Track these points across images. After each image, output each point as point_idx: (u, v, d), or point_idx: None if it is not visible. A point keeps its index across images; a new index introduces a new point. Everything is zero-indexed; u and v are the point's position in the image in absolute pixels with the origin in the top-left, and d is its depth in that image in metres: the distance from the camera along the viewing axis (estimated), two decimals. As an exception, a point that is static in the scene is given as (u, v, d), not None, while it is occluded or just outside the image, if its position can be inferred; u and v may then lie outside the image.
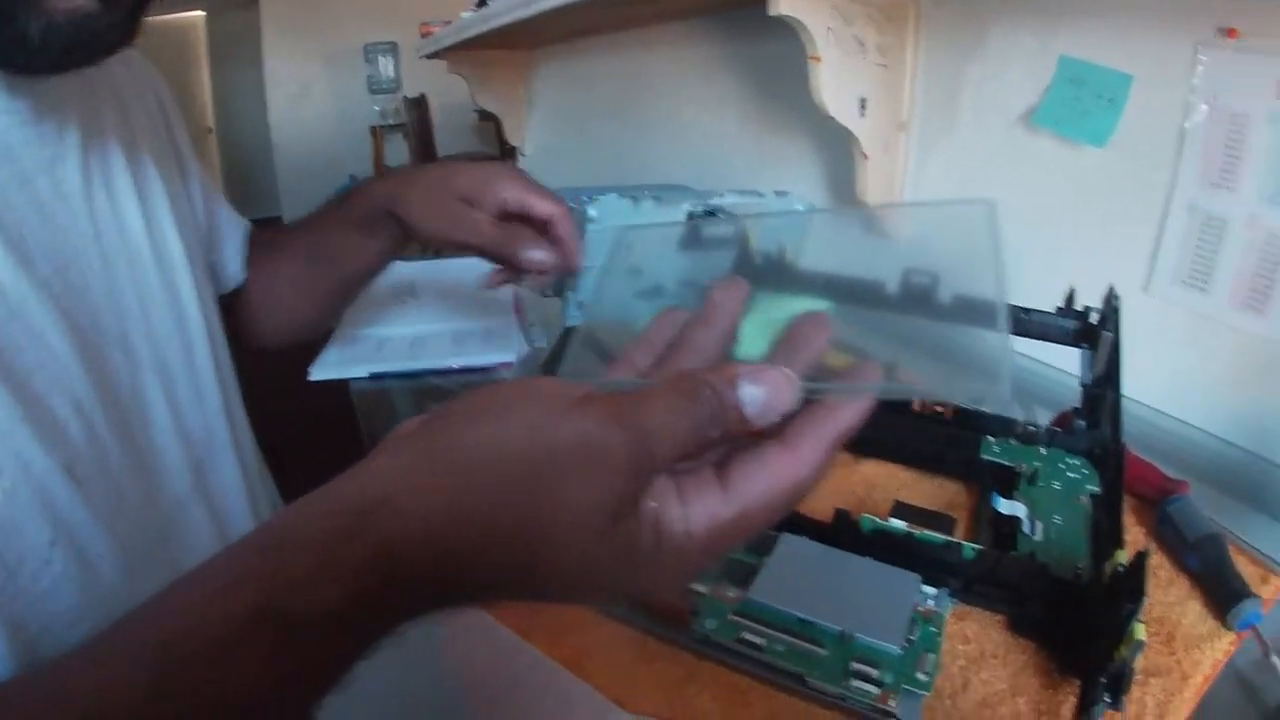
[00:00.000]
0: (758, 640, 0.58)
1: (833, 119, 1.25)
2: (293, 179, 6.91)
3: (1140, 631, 0.52)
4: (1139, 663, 0.62)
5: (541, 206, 0.87)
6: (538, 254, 0.85)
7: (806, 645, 0.58)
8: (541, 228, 0.88)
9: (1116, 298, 0.80)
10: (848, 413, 0.40)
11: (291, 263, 0.98)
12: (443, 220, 0.86)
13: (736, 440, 0.40)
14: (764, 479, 0.39)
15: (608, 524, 0.36)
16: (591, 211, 1.09)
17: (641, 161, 2.07)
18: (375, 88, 6.95)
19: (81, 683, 0.33)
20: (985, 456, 0.80)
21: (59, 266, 0.64)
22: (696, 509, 0.38)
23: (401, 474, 0.37)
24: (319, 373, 1.16)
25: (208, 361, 0.79)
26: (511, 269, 0.91)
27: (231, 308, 0.94)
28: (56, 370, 0.61)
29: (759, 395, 0.38)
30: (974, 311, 0.43)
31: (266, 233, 1.02)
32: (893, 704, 0.54)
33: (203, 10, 7.55)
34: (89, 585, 0.60)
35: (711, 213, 1.25)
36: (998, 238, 0.44)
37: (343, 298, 1.06)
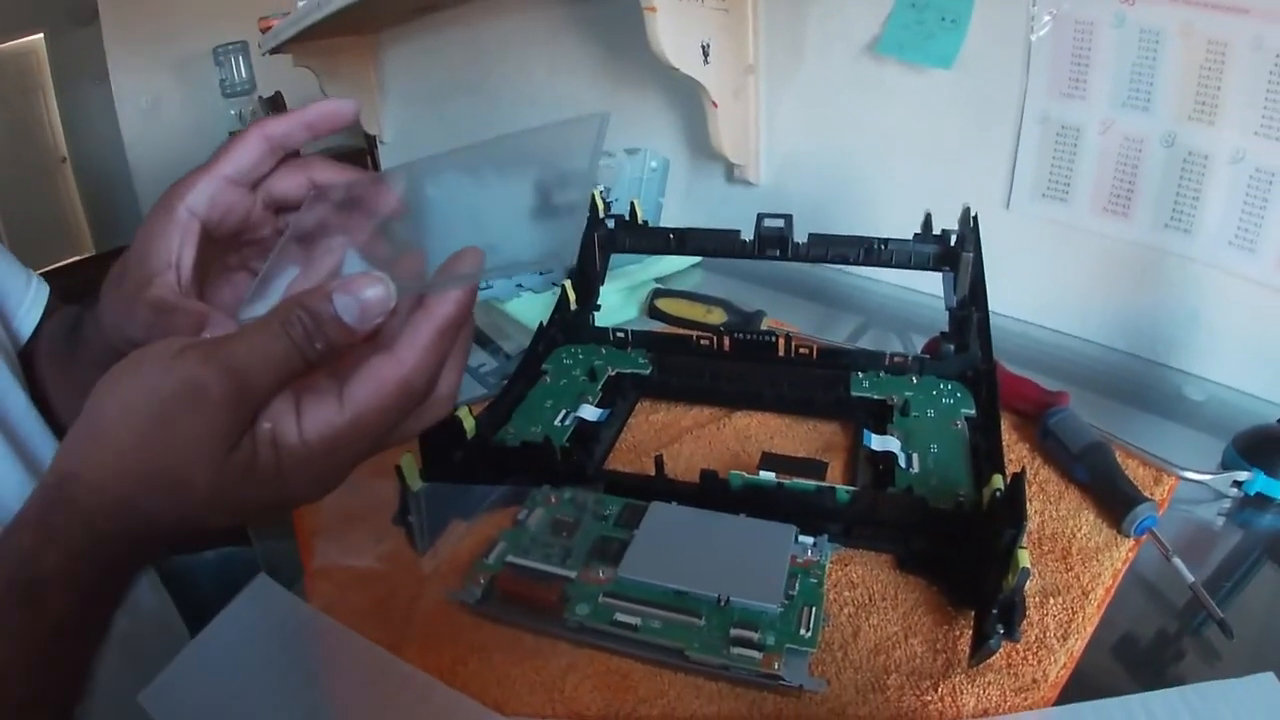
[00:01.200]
0: (632, 620, 0.55)
1: (676, 69, 1.22)
2: (155, 195, 6.69)
3: (1025, 559, 0.50)
4: (1034, 585, 0.61)
5: (277, 187, 0.56)
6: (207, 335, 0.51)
7: (683, 618, 0.55)
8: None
9: (974, 216, 0.78)
10: (443, 306, 0.42)
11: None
12: (119, 319, 0.55)
13: (357, 350, 0.43)
14: (370, 383, 0.42)
15: (223, 451, 0.40)
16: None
17: (499, 132, 2.03)
18: (229, 91, 6.73)
19: None
20: (855, 393, 0.77)
21: None
22: (311, 420, 0.42)
23: (76, 447, 0.41)
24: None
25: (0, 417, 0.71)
26: None
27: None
28: None
29: (352, 302, 0.41)
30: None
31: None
32: (778, 666, 0.52)
33: (40, 32, 7.24)
34: None
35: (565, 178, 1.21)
36: (599, 145, 0.47)
37: None
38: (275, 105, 5.70)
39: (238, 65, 6.74)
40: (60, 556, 0.40)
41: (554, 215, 0.47)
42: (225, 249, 0.57)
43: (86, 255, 6.35)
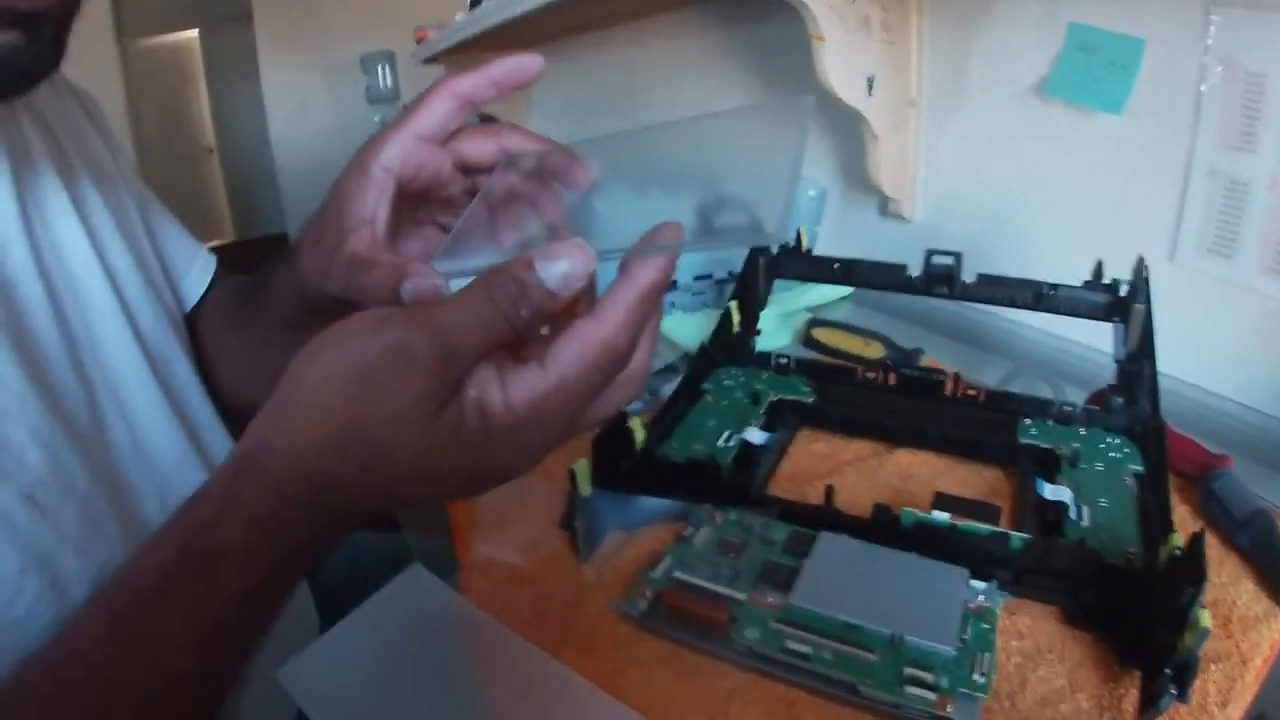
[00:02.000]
0: (804, 649, 0.56)
1: (840, 100, 1.23)
2: (297, 195, 6.87)
3: (1205, 618, 0.50)
4: (1202, 650, 0.60)
5: (467, 149, 0.57)
6: (409, 287, 0.49)
7: (856, 651, 0.55)
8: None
9: (1146, 268, 0.77)
10: (644, 272, 0.43)
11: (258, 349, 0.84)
12: (318, 279, 0.59)
13: (560, 318, 0.44)
14: (574, 346, 0.43)
15: (430, 416, 0.41)
16: (597, 205, 1.07)
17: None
18: (374, 98, 6.89)
19: (52, 641, 0.44)
20: (1023, 440, 0.77)
21: (2, 295, 0.62)
22: (516, 386, 0.42)
23: (271, 419, 0.43)
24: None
25: (165, 384, 0.75)
26: None
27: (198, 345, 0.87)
28: (7, 398, 0.59)
29: (555, 268, 0.42)
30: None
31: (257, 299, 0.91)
32: (950, 709, 0.52)
33: (196, 29, 7.53)
34: (64, 609, 0.58)
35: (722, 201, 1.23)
36: (803, 131, 0.47)
37: None
38: (417, 113, 5.83)
39: (384, 73, 6.91)
40: (241, 528, 0.42)
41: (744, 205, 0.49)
42: (415, 204, 0.59)
43: (228, 241, 6.61)
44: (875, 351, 1.02)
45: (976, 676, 0.54)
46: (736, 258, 0.92)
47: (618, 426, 0.72)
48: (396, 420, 0.41)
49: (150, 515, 0.70)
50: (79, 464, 0.63)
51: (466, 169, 0.58)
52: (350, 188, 0.56)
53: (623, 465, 0.72)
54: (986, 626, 0.57)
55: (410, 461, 0.42)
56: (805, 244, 0.91)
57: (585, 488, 0.69)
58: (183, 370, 0.78)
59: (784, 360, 0.87)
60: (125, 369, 0.71)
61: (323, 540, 0.46)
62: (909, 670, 0.53)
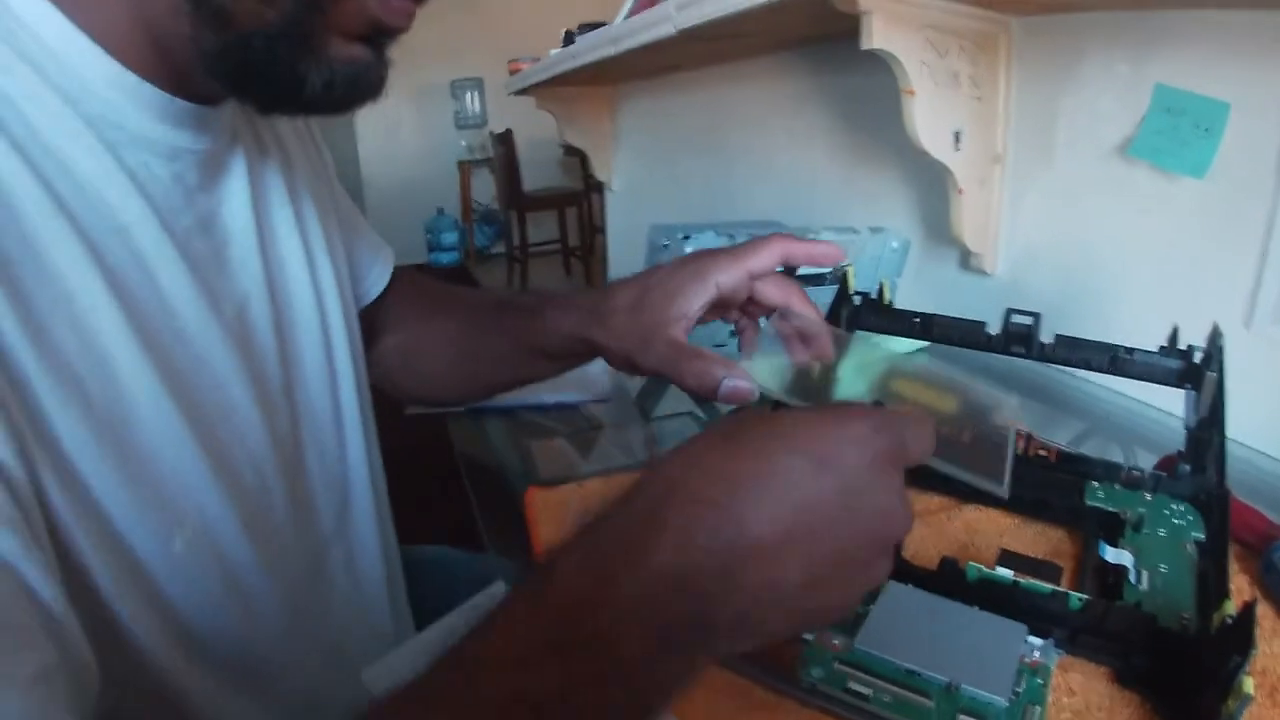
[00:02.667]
0: (864, 690, 0.58)
1: (927, 153, 1.25)
2: (382, 212, 7.03)
3: (1248, 685, 0.51)
4: (1246, 717, 0.61)
5: (770, 292, 0.75)
6: (729, 383, 0.67)
7: (913, 696, 0.57)
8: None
9: (1221, 336, 0.78)
10: None
11: (446, 333, 0.97)
12: (630, 348, 0.74)
13: None
14: None
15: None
16: (687, 249, 1.10)
17: (730, 196, 2.08)
18: (462, 123, 7.07)
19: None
20: (1090, 502, 0.78)
21: (238, 309, 0.67)
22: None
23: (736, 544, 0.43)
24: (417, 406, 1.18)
25: (354, 406, 0.81)
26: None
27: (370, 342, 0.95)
28: (237, 421, 0.65)
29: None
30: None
31: (434, 286, 1.03)
32: (1000, 757, 0.54)
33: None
34: (253, 626, 0.65)
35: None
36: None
37: (496, 391, 1.03)
38: (504, 141, 5.92)
39: (472, 100, 7.07)
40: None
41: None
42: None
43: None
44: (950, 404, 1.03)
45: (1027, 729, 0.56)
46: (822, 305, 0.94)
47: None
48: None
49: (327, 534, 0.78)
50: (281, 490, 0.69)
51: (753, 298, 0.75)
52: (687, 286, 0.72)
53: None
54: (1040, 681, 0.59)
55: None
56: (889, 297, 0.93)
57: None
58: (366, 390, 0.85)
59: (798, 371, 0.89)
60: (320, 390, 0.78)
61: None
62: (963, 717, 0.55)
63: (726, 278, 0.72)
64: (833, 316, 0.92)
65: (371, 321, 0.96)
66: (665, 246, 1.13)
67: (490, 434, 1.16)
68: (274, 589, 0.67)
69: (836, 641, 0.62)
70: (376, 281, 0.95)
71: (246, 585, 0.64)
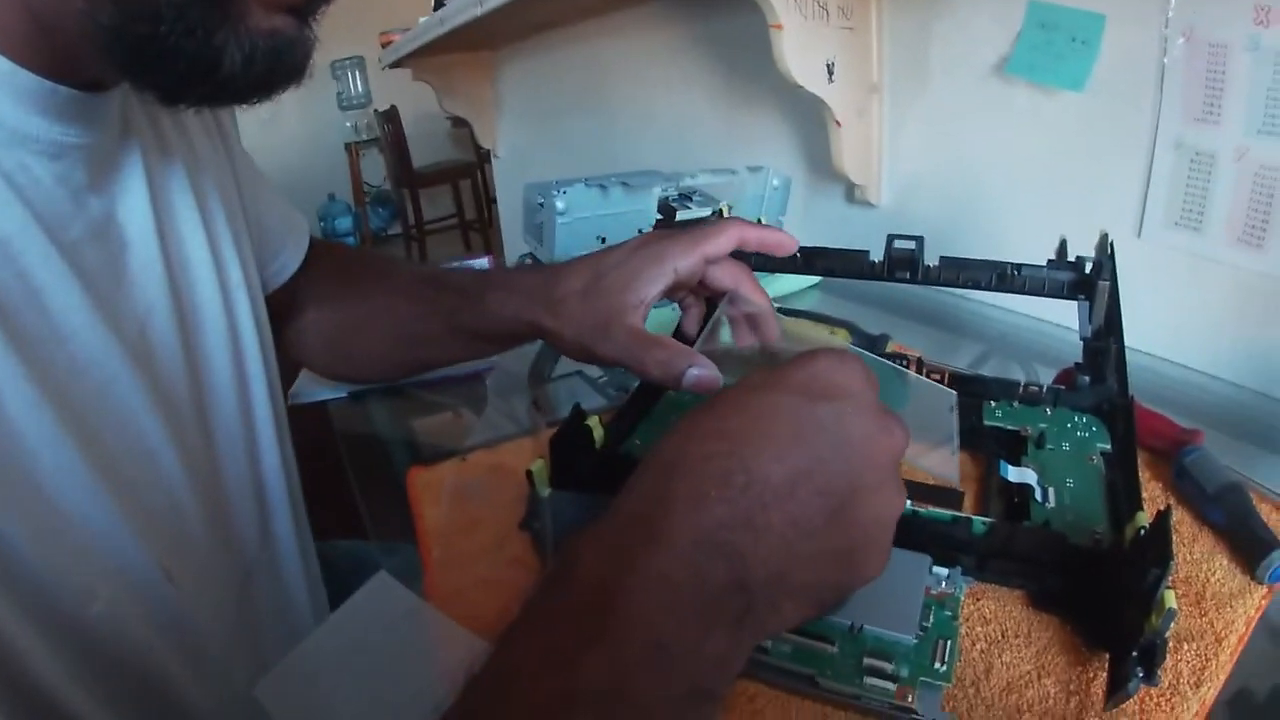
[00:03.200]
0: (763, 642, 0.54)
1: (801, 87, 1.23)
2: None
3: (1171, 599, 0.48)
4: (1172, 631, 0.59)
5: (716, 276, 0.74)
6: (693, 374, 0.65)
7: (815, 643, 0.53)
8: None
9: (1110, 243, 0.76)
10: None
11: (362, 312, 0.92)
12: (586, 337, 0.72)
13: None
14: None
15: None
16: (558, 204, 1.06)
17: (614, 151, 2.05)
18: (346, 104, 6.89)
19: None
20: (988, 422, 0.76)
21: (140, 325, 0.61)
22: None
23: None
24: (299, 397, 1.12)
25: (267, 414, 0.77)
26: None
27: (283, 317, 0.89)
28: (148, 456, 0.59)
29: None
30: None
31: (357, 258, 0.98)
32: (911, 699, 0.50)
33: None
34: (182, 663, 0.61)
35: (686, 195, 1.22)
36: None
37: (424, 370, 1.01)
38: (390, 118, 5.81)
39: (354, 79, 6.90)
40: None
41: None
42: None
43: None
44: (842, 339, 1.01)
45: (938, 665, 0.52)
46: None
47: (575, 425, 0.71)
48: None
49: (251, 559, 0.74)
50: (202, 526, 0.65)
51: (704, 281, 0.74)
52: (643, 272, 0.70)
53: (582, 465, 0.71)
54: (949, 614, 0.56)
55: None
56: (767, 234, 0.90)
57: (543, 489, 0.68)
58: (280, 399, 0.81)
59: (746, 354, 0.85)
60: (232, 405, 0.72)
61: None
62: (869, 661, 0.52)
63: (684, 263, 0.71)
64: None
65: (289, 297, 0.90)
66: (540, 205, 1.10)
67: (374, 416, 1.10)
68: (202, 622, 0.63)
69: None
70: (291, 259, 0.89)
71: (173, 625, 0.59)
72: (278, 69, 0.52)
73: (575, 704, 0.35)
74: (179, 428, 0.63)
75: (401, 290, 0.89)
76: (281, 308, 0.86)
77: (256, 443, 0.76)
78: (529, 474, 0.67)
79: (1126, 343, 0.75)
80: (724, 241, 0.72)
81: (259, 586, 0.75)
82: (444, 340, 0.85)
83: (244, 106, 0.55)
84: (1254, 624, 0.60)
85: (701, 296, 0.79)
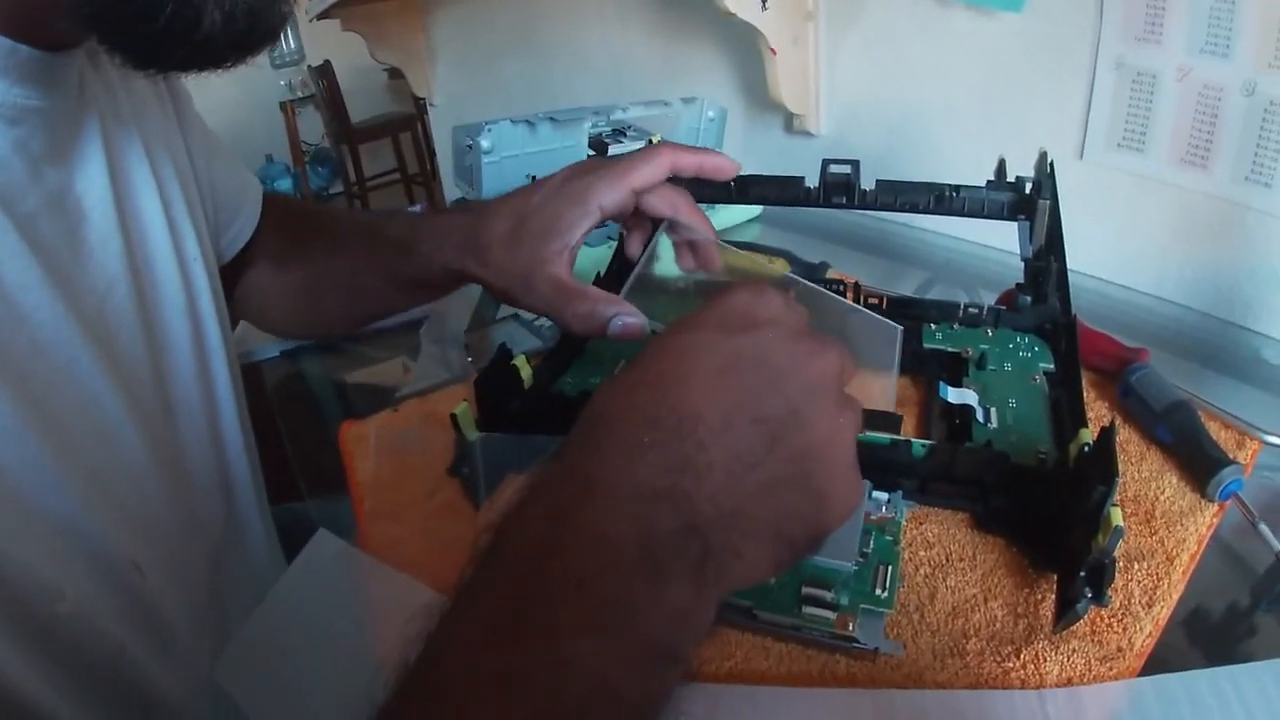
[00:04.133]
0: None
1: (734, 15, 1.19)
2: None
3: (1117, 516, 0.47)
4: (1118, 549, 0.57)
5: (650, 204, 0.70)
6: (619, 322, 0.63)
7: (752, 575, 0.52)
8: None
9: (1050, 162, 0.74)
10: None
11: (307, 269, 0.88)
12: (511, 286, 0.68)
13: None
14: None
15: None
16: (484, 143, 1.03)
17: (552, 92, 2.01)
18: (278, 61, 6.73)
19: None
20: (928, 345, 0.74)
21: (99, 301, 0.57)
22: None
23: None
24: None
25: (227, 387, 0.74)
26: None
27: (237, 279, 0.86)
28: (111, 440, 0.56)
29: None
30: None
31: (302, 213, 0.93)
32: (852, 627, 0.49)
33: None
34: (162, 651, 0.58)
35: (619, 130, 1.19)
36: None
37: (368, 323, 0.98)
38: (324, 73, 5.69)
39: (285, 36, 6.74)
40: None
41: None
42: None
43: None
44: (780, 269, 0.99)
45: (879, 591, 0.51)
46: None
47: (501, 366, 0.68)
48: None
49: (218, 540, 0.71)
50: (170, 513, 0.62)
51: (637, 212, 0.71)
52: (565, 215, 0.66)
53: (512, 406, 0.68)
54: (890, 539, 0.54)
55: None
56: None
57: (471, 432, 0.65)
58: (238, 372, 0.77)
59: (682, 285, 0.83)
60: (193, 382, 0.69)
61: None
62: (807, 590, 0.50)
63: (610, 199, 0.67)
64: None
65: (242, 259, 0.86)
66: (468, 146, 1.06)
67: (308, 373, 1.07)
68: (172, 612, 0.60)
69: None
70: (246, 226, 0.86)
71: (144, 618, 0.56)
72: (257, 27, 0.49)
73: (517, 677, 0.33)
74: (141, 411, 0.60)
75: (342, 243, 0.86)
76: (229, 269, 0.83)
77: (219, 424, 0.73)
78: (453, 417, 0.65)
79: (1071, 267, 0.74)
80: (652, 170, 0.68)
81: (228, 570, 0.72)
82: (386, 291, 0.82)
83: (219, 71, 0.51)
84: (1206, 542, 0.60)
85: (645, 219, 0.74)
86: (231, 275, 0.84)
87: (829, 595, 0.50)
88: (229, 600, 0.71)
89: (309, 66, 6.06)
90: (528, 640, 0.34)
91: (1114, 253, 1.05)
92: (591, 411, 0.42)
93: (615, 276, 0.84)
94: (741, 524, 0.39)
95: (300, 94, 6.53)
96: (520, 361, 0.69)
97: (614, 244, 0.84)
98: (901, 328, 0.67)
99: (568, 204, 0.67)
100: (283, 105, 6.44)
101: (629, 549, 0.36)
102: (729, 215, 1.20)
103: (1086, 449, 0.54)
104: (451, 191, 1.18)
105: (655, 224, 0.72)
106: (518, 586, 0.36)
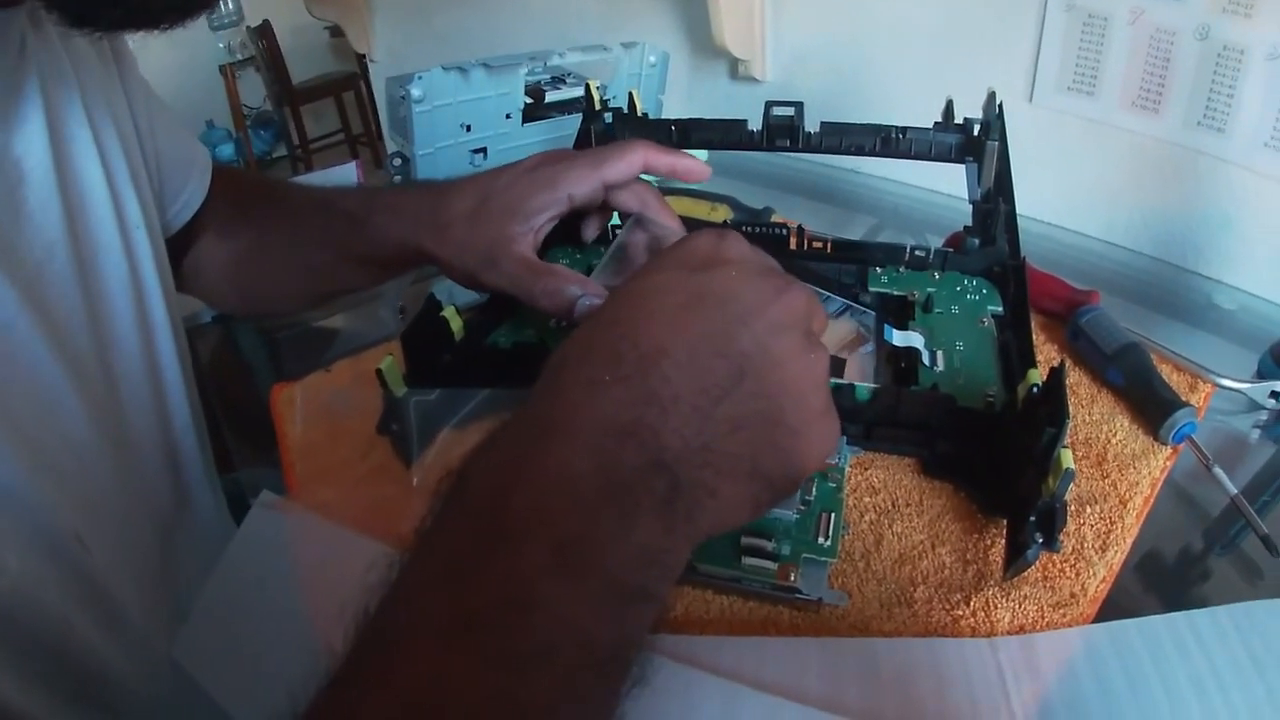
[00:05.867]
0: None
1: (676, -42, 1.16)
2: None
3: (1068, 459, 0.46)
4: (1070, 494, 0.56)
5: (620, 199, 0.70)
6: (585, 302, 0.62)
7: (689, 526, 0.50)
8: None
9: (998, 103, 0.73)
10: None
11: (251, 241, 0.85)
12: (472, 266, 0.67)
13: None
14: None
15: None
16: (415, 92, 1.00)
17: (494, 42, 1.97)
18: (216, 24, 6.60)
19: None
20: (873, 288, 0.72)
21: (37, 267, 0.55)
22: None
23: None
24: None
25: (173, 359, 0.71)
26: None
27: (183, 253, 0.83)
28: (54, 408, 0.54)
29: None
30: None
31: (248, 185, 0.90)
32: (794, 578, 0.47)
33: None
34: (112, 629, 0.57)
35: (558, 78, 1.16)
36: None
37: (321, 301, 0.94)
38: (264, 33, 5.59)
39: (224, -3, 6.63)
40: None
41: None
42: None
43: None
44: (722, 215, 0.96)
45: (821, 540, 0.49)
46: (572, 131, 0.85)
47: (430, 318, 0.65)
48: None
49: (169, 515, 0.70)
50: (115, 485, 0.60)
51: (604, 206, 0.70)
52: (533, 197, 0.66)
53: (443, 359, 0.66)
54: (832, 485, 0.52)
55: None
56: (640, 108, 0.85)
57: (398, 388, 0.63)
58: (185, 344, 0.75)
59: (617, 233, 0.81)
60: (137, 354, 0.67)
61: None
62: (747, 540, 0.48)
63: (580, 189, 0.67)
64: (583, 136, 0.84)
65: (190, 232, 0.83)
66: (402, 98, 1.03)
67: (239, 339, 1.04)
68: (121, 589, 0.58)
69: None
70: (194, 196, 0.82)
71: (90, 594, 0.55)
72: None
73: (480, 620, 0.32)
74: (83, 380, 0.57)
75: (293, 218, 0.83)
76: (176, 242, 0.80)
77: (165, 396, 0.70)
78: (379, 373, 0.62)
79: (1021, 211, 0.73)
80: (626, 165, 0.67)
81: (179, 546, 0.70)
82: (337, 268, 0.79)
83: (156, 32, 0.48)
84: (1159, 486, 0.59)
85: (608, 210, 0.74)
86: (179, 248, 0.81)
87: (770, 545, 0.48)
88: (181, 577, 0.68)
89: (248, 27, 5.94)
90: (490, 583, 0.32)
91: (1064, 197, 1.04)
92: (553, 360, 0.41)
93: (561, 227, 0.82)
94: (713, 459, 0.38)
95: (240, 56, 6.40)
96: (450, 313, 0.67)
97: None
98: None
99: (537, 186, 0.66)
100: (222, 69, 6.32)
101: (593, 486, 0.35)
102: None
103: (1035, 390, 0.53)
104: (390, 147, 1.15)
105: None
106: (478, 528, 0.35)
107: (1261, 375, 0.71)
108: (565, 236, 0.76)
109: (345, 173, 1.28)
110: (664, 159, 0.68)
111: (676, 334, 0.39)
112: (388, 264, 0.76)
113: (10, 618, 0.48)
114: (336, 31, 3.88)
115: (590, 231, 0.75)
